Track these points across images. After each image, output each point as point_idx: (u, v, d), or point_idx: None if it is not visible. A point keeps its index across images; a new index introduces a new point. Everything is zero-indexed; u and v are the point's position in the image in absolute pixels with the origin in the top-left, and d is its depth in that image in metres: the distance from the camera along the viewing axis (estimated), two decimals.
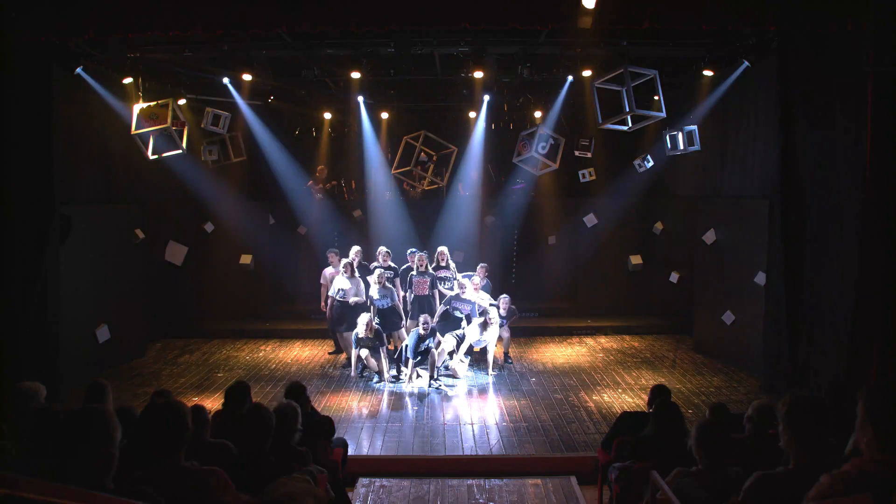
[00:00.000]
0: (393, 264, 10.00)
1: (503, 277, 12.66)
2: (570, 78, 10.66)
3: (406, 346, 8.78)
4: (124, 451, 2.68)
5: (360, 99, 12.68)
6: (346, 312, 9.41)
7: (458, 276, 10.03)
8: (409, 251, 10.33)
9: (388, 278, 9.59)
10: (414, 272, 9.86)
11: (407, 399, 8.27)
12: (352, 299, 9.40)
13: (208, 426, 4.13)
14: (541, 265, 13.09)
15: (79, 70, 8.82)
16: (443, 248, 10.33)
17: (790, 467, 2.78)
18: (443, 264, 10.22)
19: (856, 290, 6.86)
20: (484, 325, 8.88)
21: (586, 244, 12.71)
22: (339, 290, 9.51)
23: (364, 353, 8.89)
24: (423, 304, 9.72)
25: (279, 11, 6.83)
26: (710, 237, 10.19)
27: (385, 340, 9.02)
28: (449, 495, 5.74)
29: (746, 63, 9.10)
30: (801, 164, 7.86)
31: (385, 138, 13.96)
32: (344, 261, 9.74)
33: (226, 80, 10.58)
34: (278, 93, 12.13)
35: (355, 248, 10.14)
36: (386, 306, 9.46)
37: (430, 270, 9.93)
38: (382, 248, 10.01)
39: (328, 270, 10.36)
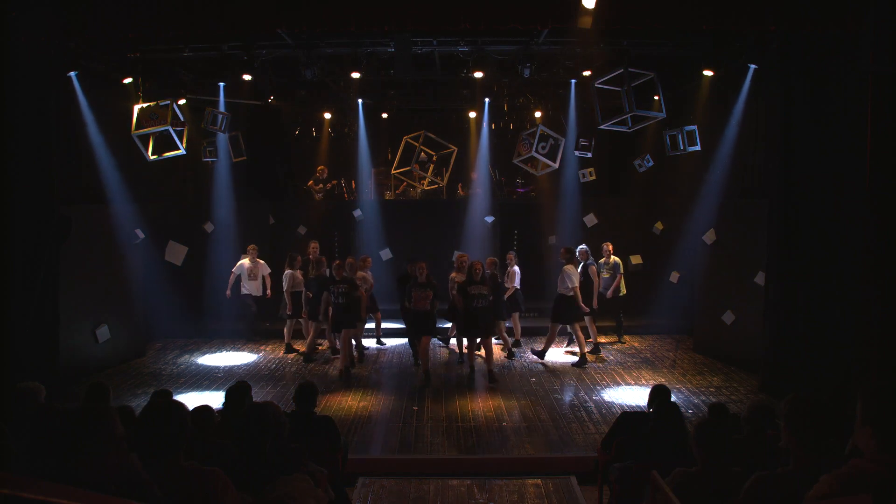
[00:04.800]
0: (346, 275, 9.03)
1: (502, 277, 12.60)
2: (574, 81, 10.66)
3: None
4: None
5: (360, 101, 12.67)
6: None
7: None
8: (409, 260, 9.41)
9: (341, 292, 8.87)
10: (414, 282, 8.80)
11: (407, 399, 8.26)
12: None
13: (213, 426, 4.12)
14: (541, 265, 13.07)
15: (71, 74, 8.81)
16: (464, 255, 9.26)
17: (790, 467, 2.78)
18: (476, 279, 8.55)
19: (856, 290, 6.86)
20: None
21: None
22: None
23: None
24: (426, 322, 8.72)
25: (279, 11, 6.84)
26: (710, 237, 10.18)
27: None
28: (449, 495, 5.73)
29: (754, 66, 9.05)
30: (801, 165, 7.86)
31: (385, 138, 13.96)
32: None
33: (221, 85, 10.58)
34: (278, 93, 12.12)
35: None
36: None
37: (431, 281, 8.86)
38: (349, 258, 9.44)
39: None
